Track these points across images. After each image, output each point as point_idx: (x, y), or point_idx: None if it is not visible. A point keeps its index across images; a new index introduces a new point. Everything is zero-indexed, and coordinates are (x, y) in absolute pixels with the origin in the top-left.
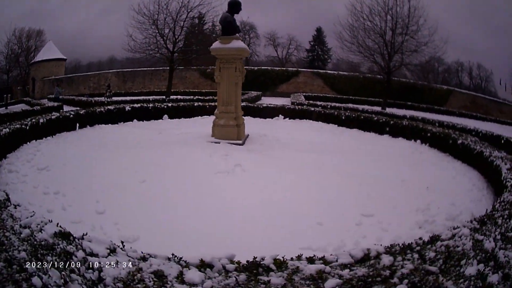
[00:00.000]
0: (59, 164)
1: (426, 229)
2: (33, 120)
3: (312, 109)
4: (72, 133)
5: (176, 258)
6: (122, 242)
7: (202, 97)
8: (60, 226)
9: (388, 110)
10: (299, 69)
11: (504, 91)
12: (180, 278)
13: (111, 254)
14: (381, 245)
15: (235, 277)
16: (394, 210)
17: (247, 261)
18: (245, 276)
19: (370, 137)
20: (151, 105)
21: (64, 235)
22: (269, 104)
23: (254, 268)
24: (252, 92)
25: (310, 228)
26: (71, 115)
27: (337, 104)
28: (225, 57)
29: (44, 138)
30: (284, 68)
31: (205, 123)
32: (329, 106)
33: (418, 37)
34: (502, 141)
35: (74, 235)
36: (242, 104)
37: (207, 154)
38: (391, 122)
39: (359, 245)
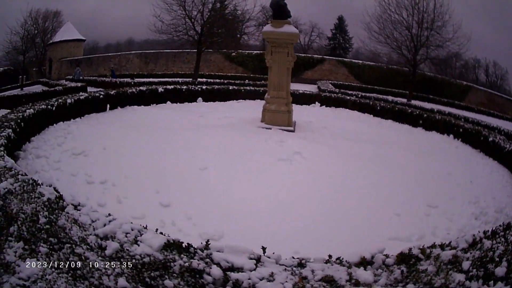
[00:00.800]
0: (97, 148)
1: (481, 220)
2: (60, 100)
3: (348, 97)
4: (103, 114)
5: (336, 259)
6: (264, 248)
7: (232, 81)
8: (162, 233)
9: (412, 102)
10: (325, 56)
11: None
12: (352, 280)
13: (257, 264)
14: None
15: (398, 269)
16: (452, 201)
17: (399, 254)
18: (405, 268)
19: (406, 129)
20: (184, 87)
21: (179, 247)
22: (305, 91)
23: (408, 259)
24: None
25: (390, 218)
26: (101, 96)
27: (363, 94)
28: (277, 41)
29: (72, 120)
30: (310, 55)
31: (244, 107)
32: (359, 95)
33: (443, 32)
34: None
35: (193, 245)
36: None
37: (262, 140)
38: (425, 115)
39: (436, 234)
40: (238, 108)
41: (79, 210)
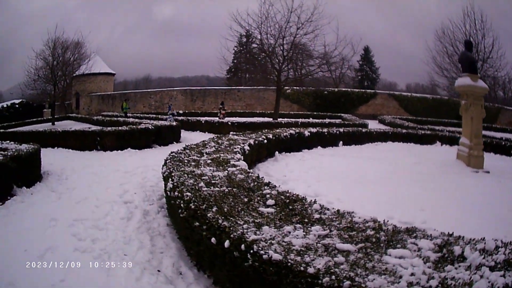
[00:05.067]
0: None
1: None
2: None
3: (441, 134)
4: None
5: None
6: None
7: (295, 120)
8: None
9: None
10: (377, 91)
11: None
12: None
13: None
14: None
15: None
16: None
17: None
18: None
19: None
20: (325, 130)
21: None
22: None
23: None
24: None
25: None
26: (265, 140)
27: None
28: (475, 94)
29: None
30: (363, 90)
31: (398, 150)
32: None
33: (493, 62)
34: None
35: None
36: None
37: (494, 182)
38: None
39: None
40: (398, 151)
41: None
